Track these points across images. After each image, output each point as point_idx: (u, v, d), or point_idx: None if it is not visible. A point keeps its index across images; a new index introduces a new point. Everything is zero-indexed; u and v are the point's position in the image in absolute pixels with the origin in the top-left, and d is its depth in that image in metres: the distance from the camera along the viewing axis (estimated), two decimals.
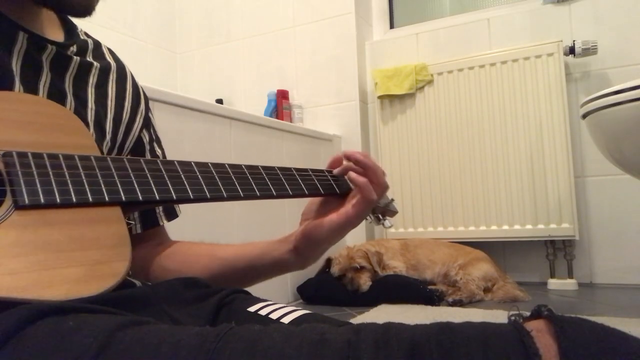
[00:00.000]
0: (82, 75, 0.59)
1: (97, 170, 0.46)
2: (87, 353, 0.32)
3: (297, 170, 0.61)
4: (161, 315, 0.46)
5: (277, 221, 1.72)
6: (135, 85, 0.68)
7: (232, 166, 0.56)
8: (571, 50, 1.93)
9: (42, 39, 0.55)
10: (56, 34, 0.59)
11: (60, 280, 0.39)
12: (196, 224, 1.23)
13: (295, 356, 0.32)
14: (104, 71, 0.63)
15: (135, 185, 0.48)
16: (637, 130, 1.23)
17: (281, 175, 0.59)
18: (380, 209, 0.72)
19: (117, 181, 0.47)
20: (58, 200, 0.43)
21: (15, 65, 0.51)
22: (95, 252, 0.43)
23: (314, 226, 0.60)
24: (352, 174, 0.61)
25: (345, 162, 0.64)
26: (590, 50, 1.92)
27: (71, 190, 0.44)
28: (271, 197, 0.57)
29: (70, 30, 0.62)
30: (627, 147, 1.30)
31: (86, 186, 0.45)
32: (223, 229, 1.53)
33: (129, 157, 0.51)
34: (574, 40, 1.94)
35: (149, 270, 0.65)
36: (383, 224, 0.72)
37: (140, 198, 0.47)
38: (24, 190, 0.42)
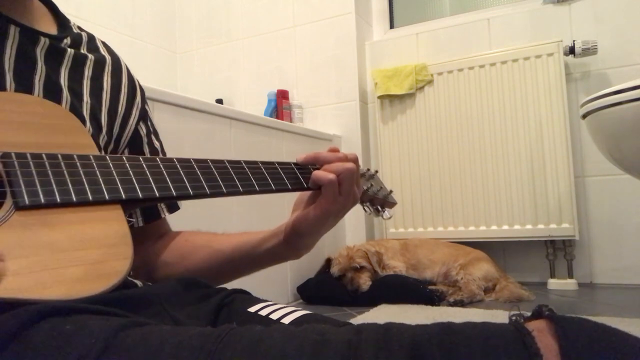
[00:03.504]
0: (77, 67, 0.59)
1: (97, 169, 0.47)
2: (89, 354, 0.32)
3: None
4: (162, 316, 0.46)
5: (277, 215, 1.71)
6: (130, 78, 0.68)
7: (230, 162, 0.56)
8: (571, 50, 1.93)
9: (35, 31, 0.55)
10: (49, 28, 0.59)
11: (62, 280, 0.39)
12: (196, 217, 1.24)
13: (296, 356, 0.32)
14: (99, 64, 0.63)
15: (135, 183, 0.48)
16: (637, 130, 1.23)
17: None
18: (379, 201, 0.72)
19: (117, 179, 0.47)
20: (58, 200, 0.43)
21: (8, 60, 0.51)
22: (96, 252, 0.43)
23: (299, 219, 0.61)
24: (317, 173, 0.59)
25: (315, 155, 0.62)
26: (590, 50, 1.92)
27: (71, 189, 0.44)
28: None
29: (63, 24, 0.62)
30: (627, 147, 1.30)
31: (86, 185, 0.45)
32: (222, 222, 1.53)
33: (127, 155, 0.51)
34: (574, 40, 1.94)
35: (149, 265, 0.65)
36: (382, 216, 0.72)
37: (140, 196, 0.47)
38: (24, 191, 0.42)
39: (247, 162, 0.57)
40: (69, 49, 0.58)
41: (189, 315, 0.49)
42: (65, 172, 0.45)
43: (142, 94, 0.69)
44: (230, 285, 0.61)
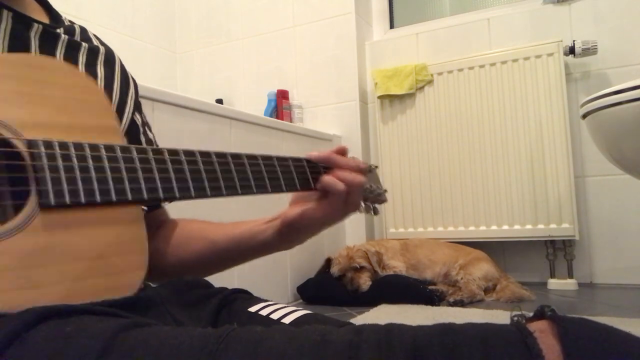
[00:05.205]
0: (72, 53, 0.59)
1: (122, 164, 0.45)
2: (89, 355, 0.32)
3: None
4: (164, 317, 0.46)
5: (277, 208, 1.71)
6: (123, 70, 0.68)
7: (249, 156, 0.56)
8: (571, 50, 1.93)
9: (28, 17, 0.54)
10: (41, 18, 0.59)
11: (82, 293, 0.40)
12: (196, 208, 1.24)
13: (297, 357, 0.32)
14: (93, 52, 0.62)
15: (158, 183, 0.47)
16: (637, 130, 1.23)
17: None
18: (372, 199, 0.72)
19: (140, 178, 0.46)
20: (83, 200, 0.42)
21: (2, 43, 0.51)
22: (115, 260, 0.43)
23: (298, 215, 0.60)
24: (328, 180, 0.59)
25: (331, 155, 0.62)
26: (590, 50, 1.91)
27: (96, 190, 0.43)
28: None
29: (56, 17, 0.62)
30: (627, 147, 1.30)
31: (111, 184, 0.44)
32: (222, 212, 1.53)
33: (152, 147, 0.50)
34: (574, 40, 1.94)
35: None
36: (372, 213, 0.73)
37: (162, 197, 0.47)
38: (50, 190, 0.41)
39: (263, 157, 0.56)
40: (63, 35, 0.58)
41: (189, 316, 0.49)
42: (91, 168, 0.43)
43: (135, 86, 0.70)
44: (231, 285, 0.61)
